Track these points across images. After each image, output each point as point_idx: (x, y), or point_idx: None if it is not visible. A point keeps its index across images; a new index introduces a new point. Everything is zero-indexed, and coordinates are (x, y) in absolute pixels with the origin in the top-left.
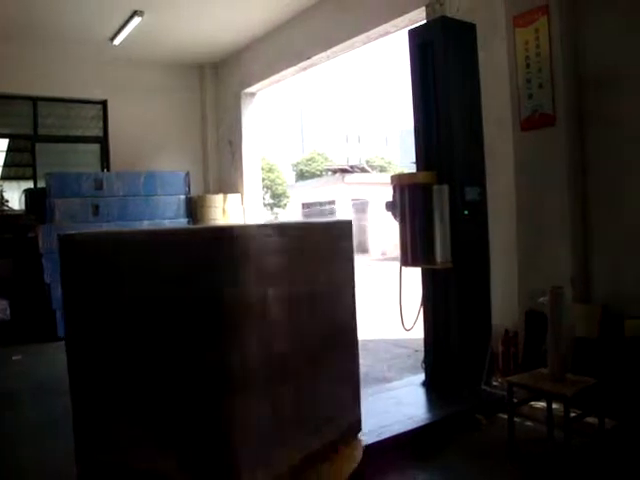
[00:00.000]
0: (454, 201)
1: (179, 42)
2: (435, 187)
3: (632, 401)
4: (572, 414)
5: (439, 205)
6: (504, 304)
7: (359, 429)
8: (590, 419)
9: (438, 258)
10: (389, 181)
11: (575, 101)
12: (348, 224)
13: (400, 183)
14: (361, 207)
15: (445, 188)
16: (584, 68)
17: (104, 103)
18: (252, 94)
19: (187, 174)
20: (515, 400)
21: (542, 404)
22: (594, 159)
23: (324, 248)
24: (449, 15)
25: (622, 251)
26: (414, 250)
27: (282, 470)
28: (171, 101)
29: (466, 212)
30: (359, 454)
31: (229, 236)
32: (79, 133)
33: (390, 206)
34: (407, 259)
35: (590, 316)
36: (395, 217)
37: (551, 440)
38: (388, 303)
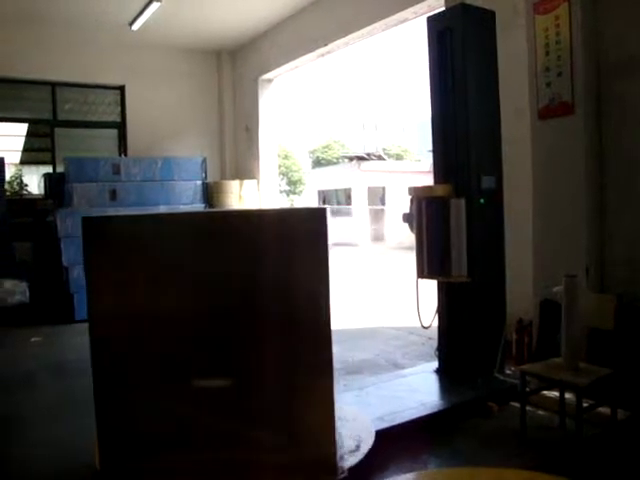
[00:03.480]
0: (470, 190)
1: (197, 28)
2: (452, 201)
3: None
4: (585, 404)
5: (456, 219)
6: (519, 293)
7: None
8: (603, 409)
9: (453, 272)
10: (405, 169)
11: (594, 89)
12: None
13: (417, 195)
14: (377, 195)
15: (462, 202)
16: (604, 56)
17: (122, 88)
18: (269, 80)
19: (204, 160)
20: (528, 389)
21: (555, 393)
22: (612, 148)
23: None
24: (468, 2)
25: (638, 239)
26: (430, 263)
27: None
28: (188, 87)
29: (482, 200)
30: None
31: None
32: (97, 118)
33: (407, 217)
34: (423, 271)
35: (605, 305)
36: (411, 229)
37: (563, 429)
38: (403, 291)
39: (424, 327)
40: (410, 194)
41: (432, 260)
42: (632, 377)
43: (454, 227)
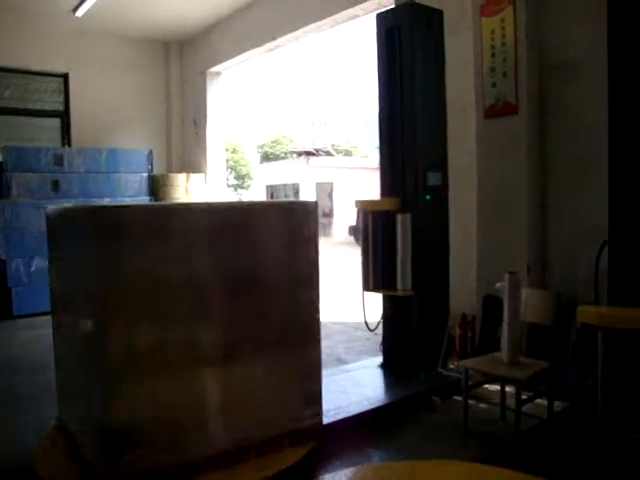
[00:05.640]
0: (416, 186)
1: (144, 17)
2: (399, 216)
3: (582, 384)
4: (524, 396)
5: (402, 233)
6: (463, 289)
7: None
8: (541, 401)
9: (399, 286)
10: (353, 165)
11: (537, 90)
12: (312, 205)
13: (364, 208)
14: (326, 190)
15: (408, 217)
16: (547, 58)
17: (65, 76)
18: (218, 73)
19: (150, 152)
20: (470, 383)
21: (496, 387)
22: (554, 148)
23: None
24: (417, 0)
25: (577, 239)
26: (376, 277)
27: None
28: (135, 77)
29: (428, 197)
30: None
31: None
32: (39, 107)
33: (353, 230)
34: (369, 284)
35: (545, 302)
36: (357, 241)
37: (503, 421)
38: (348, 286)
39: (370, 330)
40: (357, 207)
41: (378, 275)
42: (569, 370)
43: (400, 242)
